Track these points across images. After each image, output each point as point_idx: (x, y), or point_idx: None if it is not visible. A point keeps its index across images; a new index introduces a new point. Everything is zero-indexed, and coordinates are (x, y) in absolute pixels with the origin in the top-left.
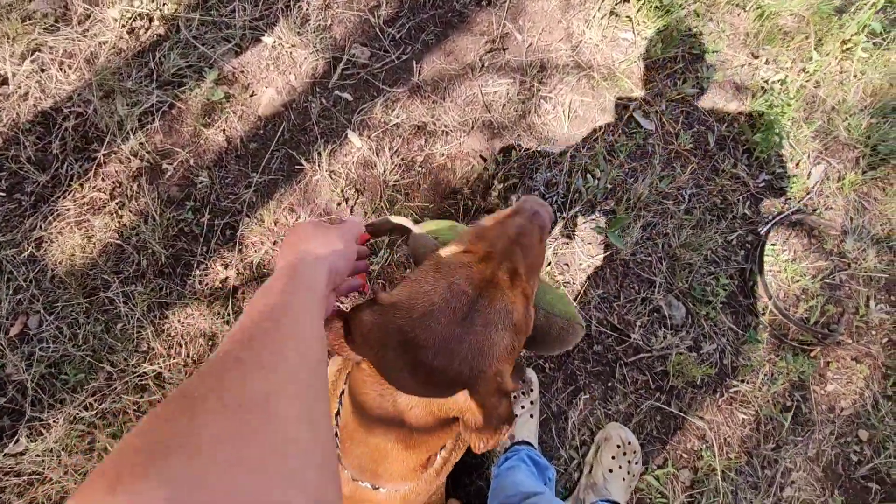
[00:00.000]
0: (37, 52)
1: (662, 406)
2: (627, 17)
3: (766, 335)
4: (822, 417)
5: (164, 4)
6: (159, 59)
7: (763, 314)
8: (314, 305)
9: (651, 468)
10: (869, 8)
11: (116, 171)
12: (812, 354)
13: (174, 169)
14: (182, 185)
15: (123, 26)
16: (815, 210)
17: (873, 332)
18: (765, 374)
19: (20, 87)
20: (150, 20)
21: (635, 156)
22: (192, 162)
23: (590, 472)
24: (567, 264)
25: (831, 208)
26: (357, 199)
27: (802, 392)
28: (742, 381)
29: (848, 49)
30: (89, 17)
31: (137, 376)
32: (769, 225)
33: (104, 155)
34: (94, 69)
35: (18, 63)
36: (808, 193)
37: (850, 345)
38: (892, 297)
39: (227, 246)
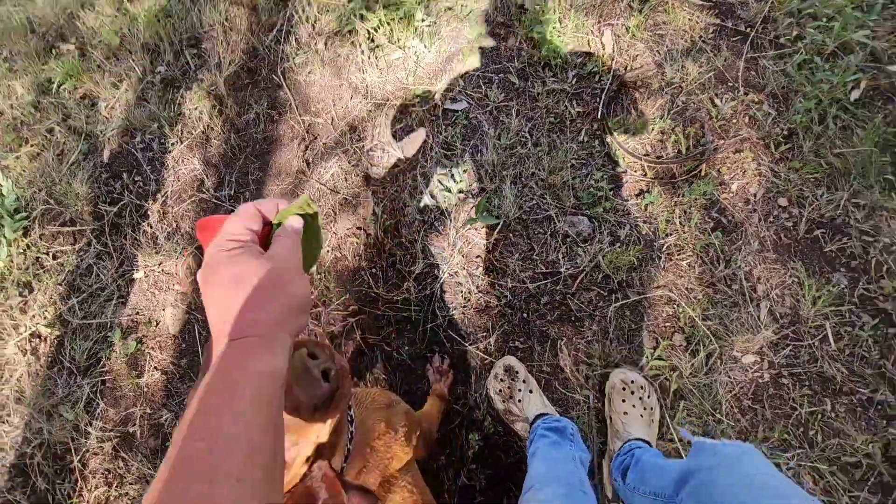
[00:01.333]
0: None
1: (624, 302)
2: (387, 40)
3: (658, 189)
4: (744, 213)
5: (43, 317)
6: (69, 356)
7: (645, 173)
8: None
9: (649, 355)
10: None
11: (99, 464)
12: (703, 175)
13: (139, 426)
14: (154, 433)
15: (25, 352)
16: (626, 68)
17: (734, 122)
18: (679, 217)
19: None
20: (40, 335)
21: (468, 136)
22: (148, 410)
23: (610, 422)
24: (479, 256)
25: (638, 55)
26: None
27: (716, 207)
28: (667, 236)
29: None
30: None
31: None
32: (600, 108)
33: (81, 462)
34: (27, 402)
35: None
36: (612, 60)
37: (723, 144)
38: (728, 84)
39: None
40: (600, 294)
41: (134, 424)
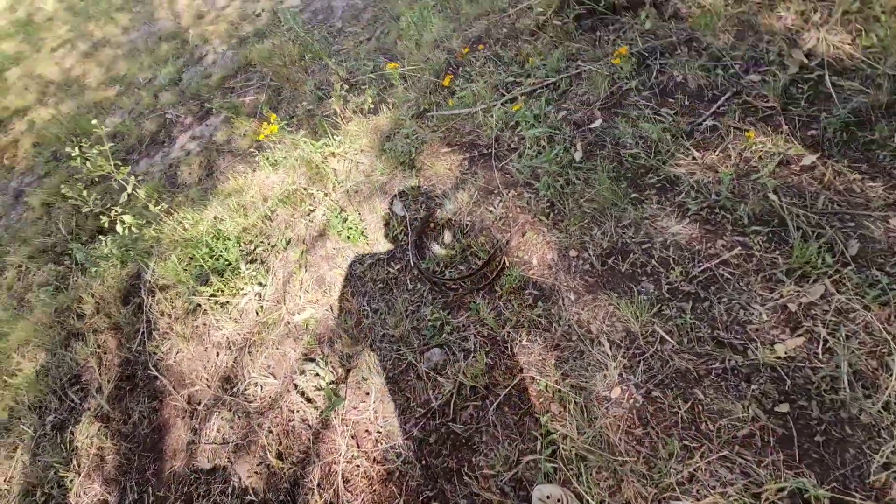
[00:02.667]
0: None
1: (497, 402)
2: (230, 296)
3: (481, 294)
4: (552, 277)
5: None
6: None
7: (466, 288)
8: None
9: (540, 437)
10: (304, 145)
11: None
12: (509, 266)
13: None
14: None
15: None
16: (419, 220)
17: (510, 215)
18: (506, 308)
19: None
20: None
21: (322, 335)
22: None
23: None
24: (367, 431)
25: (422, 208)
26: None
27: (530, 284)
28: (503, 327)
29: (334, 154)
30: None
31: None
32: (411, 258)
33: None
34: None
35: None
36: (405, 218)
37: (510, 235)
38: (494, 192)
39: None
40: (475, 406)
41: None
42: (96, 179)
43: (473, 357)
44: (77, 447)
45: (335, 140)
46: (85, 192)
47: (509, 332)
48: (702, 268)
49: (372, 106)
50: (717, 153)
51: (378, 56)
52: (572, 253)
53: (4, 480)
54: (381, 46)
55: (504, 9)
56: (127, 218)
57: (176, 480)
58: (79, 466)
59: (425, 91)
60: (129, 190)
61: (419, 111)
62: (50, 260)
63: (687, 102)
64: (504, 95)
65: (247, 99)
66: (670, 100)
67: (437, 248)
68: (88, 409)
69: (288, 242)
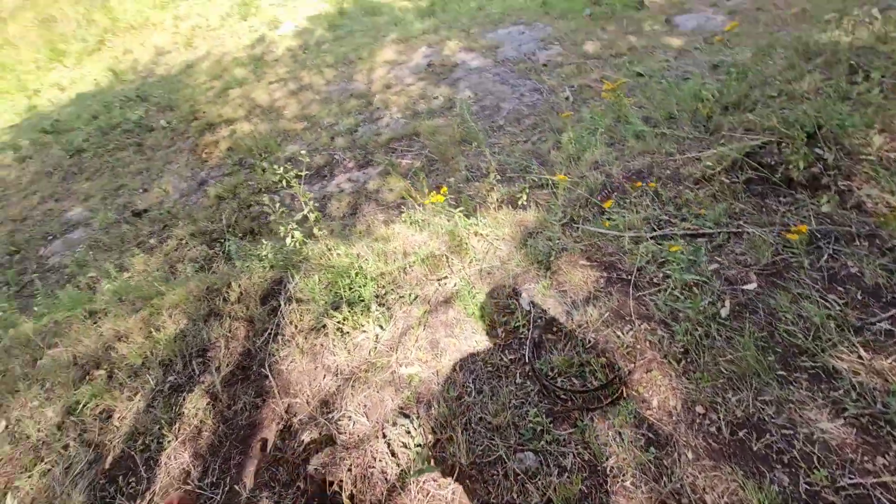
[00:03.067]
0: None
1: None
2: (352, 327)
3: (589, 415)
4: (671, 425)
5: None
6: None
7: (574, 403)
8: None
9: None
10: (459, 219)
11: None
12: (625, 396)
13: None
14: None
15: None
16: (542, 319)
17: (638, 347)
18: (614, 439)
19: None
20: None
21: (421, 395)
22: None
23: None
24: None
25: (549, 308)
26: None
27: (645, 424)
28: (607, 459)
29: (478, 234)
30: None
31: None
32: (527, 353)
33: None
34: None
35: None
36: (530, 315)
37: (634, 367)
38: (625, 318)
39: None
40: None
41: None
42: (265, 189)
43: (568, 477)
44: (183, 413)
45: (482, 221)
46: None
47: (612, 467)
48: (853, 481)
49: (524, 203)
50: (889, 361)
51: (531, 158)
52: (699, 409)
53: (118, 418)
54: (536, 151)
55: (671, 153)
56: (297, 234)
57: (253, 480)
58: (178, 431)
59: (576, 204)
60: (306, 211)
61: (567, 220)
62: (205, 242)
63: (860, 297)
64: (655, 230)
65: (404, 161)
66: (840, 288)
67: (554, 355)
68: (203, 382)
69: (415, 298)
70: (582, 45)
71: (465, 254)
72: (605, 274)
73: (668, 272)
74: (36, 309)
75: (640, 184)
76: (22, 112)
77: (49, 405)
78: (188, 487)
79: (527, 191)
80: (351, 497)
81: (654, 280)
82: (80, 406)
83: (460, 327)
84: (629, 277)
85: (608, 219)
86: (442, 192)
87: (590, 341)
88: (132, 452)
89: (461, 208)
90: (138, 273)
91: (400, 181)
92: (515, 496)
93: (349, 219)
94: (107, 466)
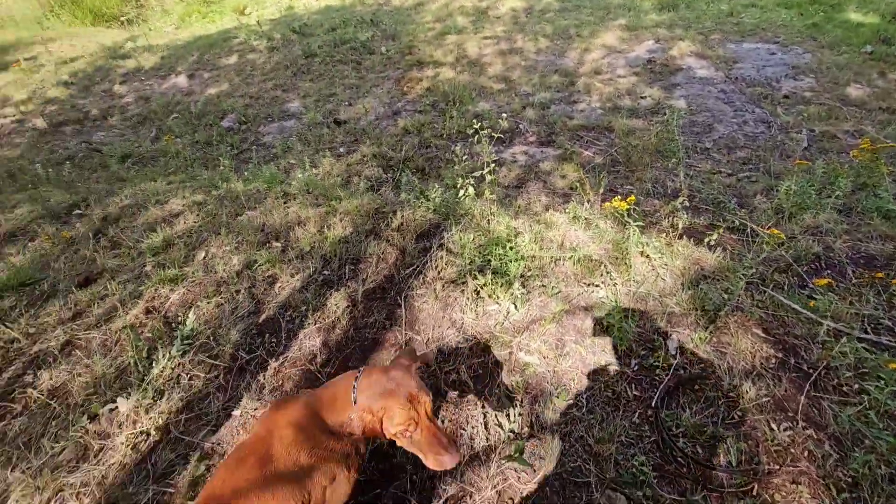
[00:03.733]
0: (60, 493)
1: None
2: (488, 295)
3: (704, 494)
4: None
5: (158, 416)
6: (154, 460)
7: (691, 471)
8: None
9: None
10: (634, 234)
11: None
12: (754, 493)
13: None
14: None
15: (128, 446)
16: (686, 370)
17: (792, 451)
18: None
19: None
20: (148, 434)
21: (530, 387)
22: None
23: None
24: (511, 498)
25: (698, 364)
26: None
27: None
28: None
29: (646, 255)
30: (102, 449)
31: None
32: (656, 398)
33: None
34: (104, 489)
35: None
36: (674, 360)
37: (779, 470)
38: (787, 413)
39: None
40: None
41: None
42: (446, 136)
43: None
44: (326, 306)
45: (654, 244)
46: (441, 143)
47: None
48: None
49: (711, 242)
50: None
51: (730, 196)
52: None
53: (279, 287)
54: (739, 189)
55: None
56: (471, 189)
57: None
58: (318, 318)
59: (773, 265)
60: (486, 171)
61: (754, 278)
62: (381, 166)
63: None
64: (868, 333)
65: (586, 152)
66: None
67: (685, 413)
68: (349, 287)
69: (557, 293)
70: (844, 87)
71: (625, 270)
72: (780, 355)
73: (867, 387)
74: (246, 174)
75: (869, 273)
76: (283, 10)
77: (236, 255)
78: (311, 368)
79: (720, 231)
80: None
81: (844, 389)
82: (256, 265)
83: (592, 340)
84: (811, 372)
85: (811, 297)
86: (629, 200)
87: (734, 418)
88: (280, 319)
89: (638, 222)
90: (324, 173)
91: (576, 171)
92: None
93: (513, 191)
94: (260, 321)
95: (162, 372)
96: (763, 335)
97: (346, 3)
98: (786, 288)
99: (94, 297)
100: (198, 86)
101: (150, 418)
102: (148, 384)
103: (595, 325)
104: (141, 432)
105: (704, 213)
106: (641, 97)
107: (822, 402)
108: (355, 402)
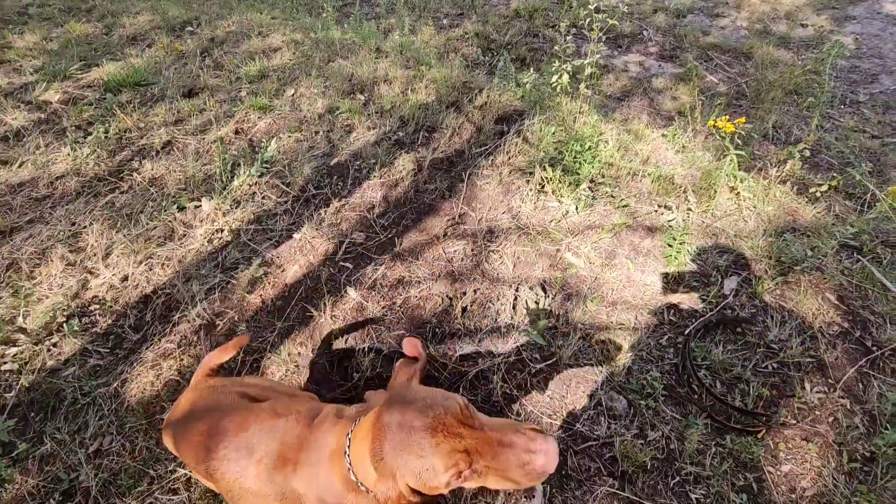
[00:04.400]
0: (149, 259)
1: (616, 492)
2: (552, 191)
3: (705, 421)
4: (784, 499)
5: (233, 221)
6: (224, 254)
7: (701, 399)
8: None
9: None
10: (730, 162)
11: (184, 329)
12: (759, 437)
13: (223, 324)
14: (228, 334)
15: (206, 238)
16: (734, 311)
17: (817, 412)
18: (712, 455)
19: (134, 281)
20: (222, 231)
21: (567, 286)
22: (236, 318)
23: None
24: (517, 371)
25: (750, 310)
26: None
27: (756, 473)
28: (691, 464)
29: (736, 192)
30: (185, 235)
31: (171, 482)
32: (692, 327)
33: (178, 318)
34: (183, 266)
35: (136, 266)
36: (724, 299)
37: (795, 425)
38: (827, 379)
39: (253, 374)
40: (599, 470)
41: (222, 319)
42: (558, 27)
43: (643, 444)
44: (394, 164)
45: (749, 182)
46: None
47: (689, 472)
48: None
49: (818, 195)
50: None
51: (864, 159)
52: None
53: (353, 137)
54: (879, 156)
55: None
56: (565, 77)
57: (409, 245)
58: (383, 174)
59: (882, 234)
60: (588, 61)
61: (853, 242)
62: (481, 46)
63: None
64: None
65: (710, 77)
66: None
67: (717, 349)
68: (419, 152)
69: (624, 206)
70: None
71: (707, 201)
72: (845, 325)
73: None
74: (345, 26)
75: None
76: None
77: (321, 98)
78: (367, 216)
79: (835, 184)
80: (463, 309)
81: None
82: (337, 112)
83: (646, 260)
84: (874, 349)
85: None
86: (738, 121)
87: (766, 368)
88: (350, 166)
89: (741, 151)
90: (422, 41)
91: (691, 95)
92: (584, 417)
93: (613, 102)
94: (331, 164)
95: (241, 185)
96: (835, 302)
97: None
98: (885, 263)
99: (195, 108)
100: None
101: (226, 221)
102: (228, 193)
103: (655, 246)
104: (217, 230)
105: (824, 171)
106: (802, 24)
107: (872, 379)
108: (357, 480)
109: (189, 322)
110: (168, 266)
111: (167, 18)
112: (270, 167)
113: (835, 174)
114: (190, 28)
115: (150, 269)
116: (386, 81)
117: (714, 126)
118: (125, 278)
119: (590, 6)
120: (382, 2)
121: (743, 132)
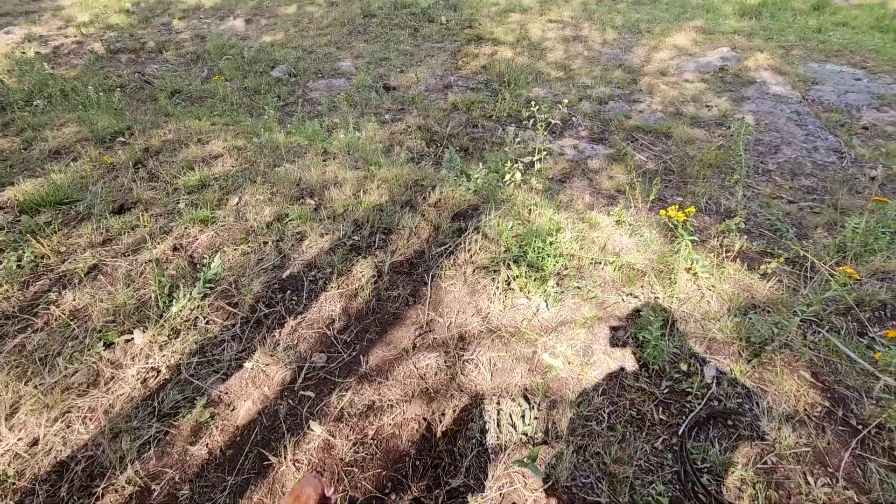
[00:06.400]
0: (67, 414)
1: None
2: (519, 288)
3: None
4: None
5: (171, 355)
6: (161, 397)
7: None
8: None
9: None
10: (685, 247)
11: (111, 501)
12: None
13: (160, 488)
14: (166, 502)
15: (139, 379)
16: (721, 402)
17: None
18: None
19: (46, 445)
20: (159, 371)
21: (550, 390)
22: (177, 478)
23: None
24: (514, 503)
25: (735, 398)
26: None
27: None
28: None
29: (693, 272)
30: (113, 378)
31: None
32: (684, 427)
33: (103, 488)
34: (110, 418)
35: (50, 425)
36: (708, 389)
37: None
38: (827, 468)
39: None
40: None
41: (160, 482)
42: (495, 118)
43: None
44: (351, 272)
45: (702, 262)
46: (488, 124)
47: None
48: None
49: (766, 271)
50: None
51: (789, 225)
52: None
53: (307, 245)
54: (800, 220)
55: None
56: (518, 175)
57: (376, 363)
58: (341, 283)
59: (832, 304)
60: (536, 157)
61: (810, 316)
62: (425, 139)
63: None
64: None
65: (639, 156)
66: None
67: (714, 448)
68: (377, 256)
69: (592, 297)
70: None
71: (669, 286)
72: (827, 404)
73: None
74: (289, 126)
75: None
76: None
77: (269, 205)
78: (328, 332)
79: (781, 260)
80: (444, 434)
81: None
82: (287, 219)
83: (624, 353)
84: (860, 428)
85: (870, 347)
86: (687, 211)
87: (767, 463)
88: (304, 278)
89: (691, 237)
90: (367, 138)
91: (626, 174)
92: None
93: (556, 184)
94: (283, 276)
95: (180, 311)
96: (811, 379)
97: None
98: (843, 333)
99: (126, 225)
100: (254, 31)
101: (164, 356)
102: (165, 321)
103: (629, 337)
104: (152, 368)
105: (759, 239)
106: (707, 106)
107: (868, 462)
108: None
109: (117, 492)
110: (91, 420)
111: (96, 130)
112: (214, 286)
113: (774, 247)
114: (122, 139)
115: (68, 427)
116: (336, 184)
117: (666, 215)
118: (34, 442)
119: (532, 108)
120: (324, 100)
121: (695, 221)
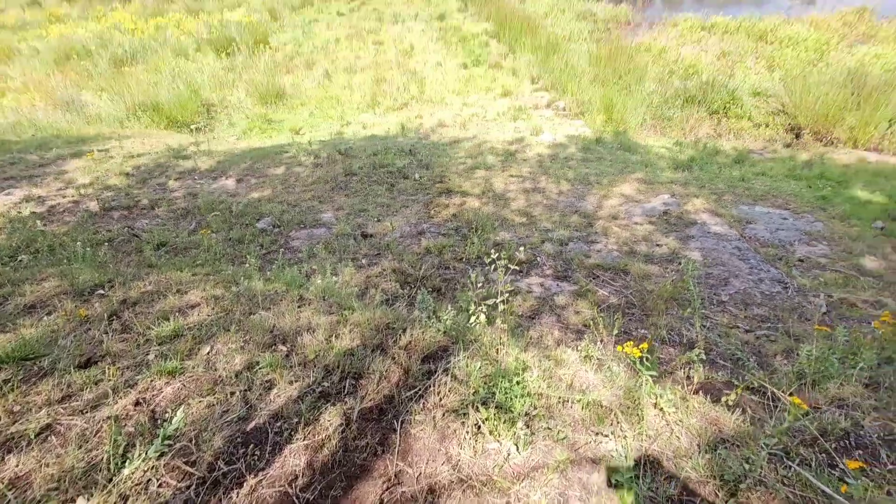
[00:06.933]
0: None
1: None
2: (489, 431)
3: None
4: None
5: None
6: None
7: None
8: None
9: None
10: (646, 383)
11: None
12: None
13: None
14: None
15: None
16: None
17: None
18: None
19: None
20: None
21: None
22: None
23: None
24: None
25: None
26: None
27: None
28: None
29: (660, 407)
30: None
31: None
32: None
33: None
34: None
35: None
36: None
37: None
38: None
39: None
40: None
41: None
42: (465, 260)
43: None
44: (319, 421)
45: (667, 396)
46: (459, 266)
47: None
48: None
49: (730, 402)
50: None
51: (749, 354)
52: None
53: (275, 394)
54: (758, 348)
55: None
56: (483, 317)
57: None
58: (307, 434)
59: (798, 434)
60: (500, 300)
61: (777, 449)
62: (399, 281)
63: None
64: None
65: (602, 291)
66: None
67: None
68: (346, 403)
69: (563, 438)
70: (859, 257)
71: (637, 423)
72: None
73: None
74: (269, 273)
75: None
76: (333, 134)
77: (240, 354)
78: (290, 491)
79: (739, 391)
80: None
81: None
82: (258, 367)
83: (599, 499)
84: None
85: (842, 479)
86: (642, 347)
87: None
88: (269, 430)
89: (651, 371)
90: (343, 282)
91: (590, 309)
92: None
93: (525, 321)
94: (248, 429)
95: (132, 473)
96: None
97: (390, 133)
98: (813, 465)
99: (89, 380)
100: (243, 189)
101: None
102: (114, 486)
103: (603, 481)
104: None
105: (722, 369)
106: (657, 245)
107: None
108: None
109: None
110: None
111: (76, 283)
112: (174, 443)
113: (737, 377)
114: (101, 291)
115: None
116: (309, 330)
117: (623, 351)
118: None
119: (492, 254)
120: (304, 248)
121: (648, 357)
